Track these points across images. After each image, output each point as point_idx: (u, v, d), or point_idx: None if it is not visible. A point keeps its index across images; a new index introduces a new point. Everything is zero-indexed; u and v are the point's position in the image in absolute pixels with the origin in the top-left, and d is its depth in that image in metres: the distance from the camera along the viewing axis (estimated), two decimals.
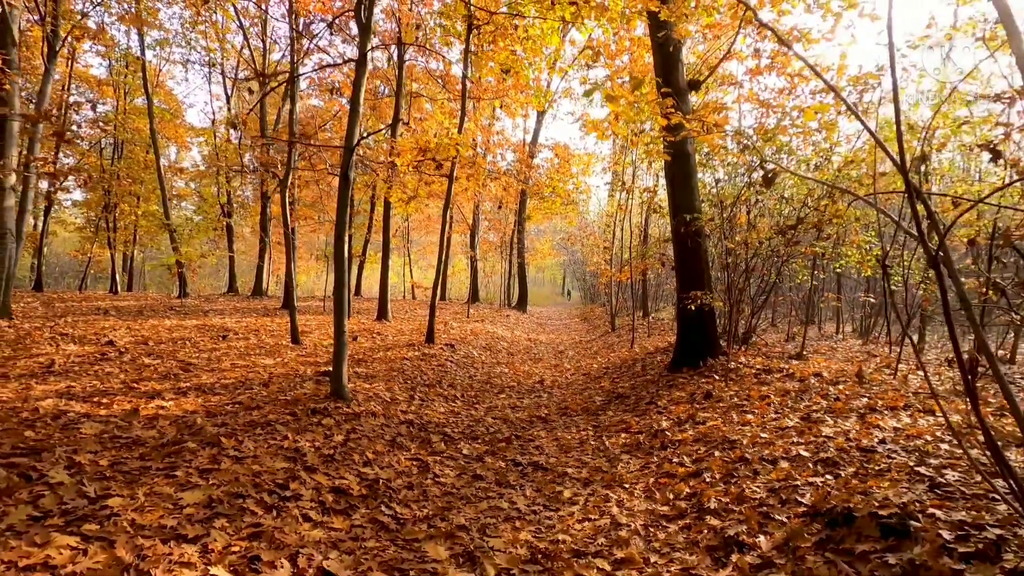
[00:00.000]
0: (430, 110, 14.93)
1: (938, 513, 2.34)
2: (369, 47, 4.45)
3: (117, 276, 19.49)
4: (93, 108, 18.05)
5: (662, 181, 10.42)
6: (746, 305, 7.88)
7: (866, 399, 4.44)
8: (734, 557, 2.43)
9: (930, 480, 2.75)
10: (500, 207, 22.16)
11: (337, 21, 10.00)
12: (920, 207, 2.07)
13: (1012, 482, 1.71)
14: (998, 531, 2.14)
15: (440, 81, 12.56)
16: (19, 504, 2.22)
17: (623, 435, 4.65)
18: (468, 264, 24.05)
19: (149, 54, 16.65)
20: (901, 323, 3.42)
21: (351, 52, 12.33)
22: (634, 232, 14.76)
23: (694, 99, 8.03)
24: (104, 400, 3.98)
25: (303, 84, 16.02)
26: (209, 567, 2.05)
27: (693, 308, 6.58)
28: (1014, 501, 1.82)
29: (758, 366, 6.16)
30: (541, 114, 22.22)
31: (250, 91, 15.30)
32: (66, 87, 16.33)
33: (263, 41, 17.22)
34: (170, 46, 18.86)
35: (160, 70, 20.07)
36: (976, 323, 2.05)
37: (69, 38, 12.49)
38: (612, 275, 13.93)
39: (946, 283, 2.00)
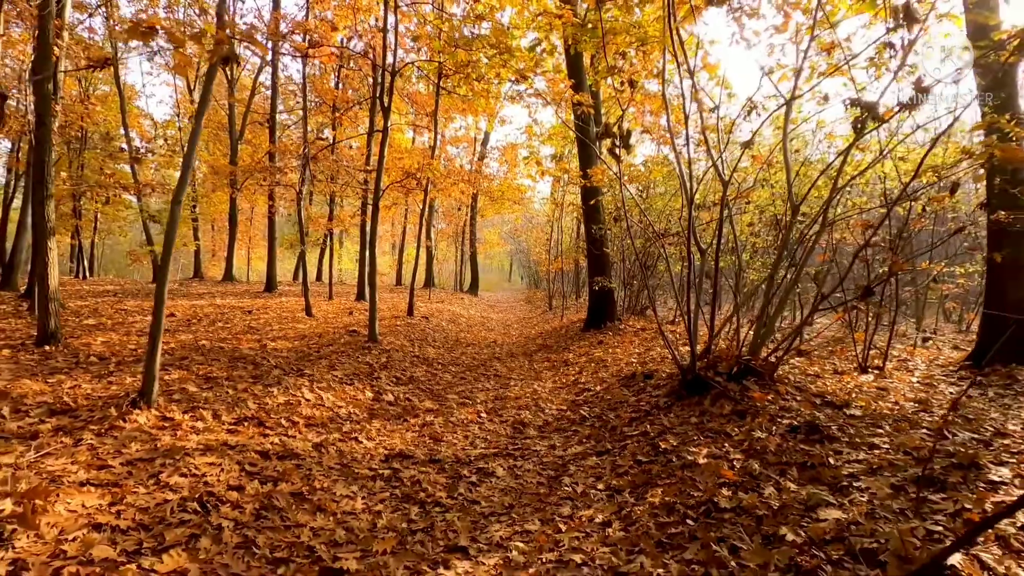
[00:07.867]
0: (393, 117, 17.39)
1: (666, 370, 5.52)
2: (388, 123, 7.16)
3: (84, 262, 20.61)
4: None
5: None
6: (638, 288, 11.20)
7: (686, 339, 7.72)
8: (584, 393, 5.53)
9: (676, 362, 5.95)
10: (460, 209, 24.85)
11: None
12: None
13: (670, 350, 4.84)
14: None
15: (408, 100, 15.09)
16: (271, 370, 4.93)
17: (545, 363, 7.74)
18: (423, 251, 26.62)
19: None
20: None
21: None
22: (568, 231, 18.03)
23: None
24: (232, 343, 6.53)
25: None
26: (361, 393, 4.88)
27: (598, 289, 9.76)
28: (673, 362, 4.95)
29: (638, 327, 9.42)
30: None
31: (261, 122, 17.46)
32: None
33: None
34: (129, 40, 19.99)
35: (122, 60, 21.06)
36: (650, 289, 5.22)
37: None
38: (550, 265, 17.11)
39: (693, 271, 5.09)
